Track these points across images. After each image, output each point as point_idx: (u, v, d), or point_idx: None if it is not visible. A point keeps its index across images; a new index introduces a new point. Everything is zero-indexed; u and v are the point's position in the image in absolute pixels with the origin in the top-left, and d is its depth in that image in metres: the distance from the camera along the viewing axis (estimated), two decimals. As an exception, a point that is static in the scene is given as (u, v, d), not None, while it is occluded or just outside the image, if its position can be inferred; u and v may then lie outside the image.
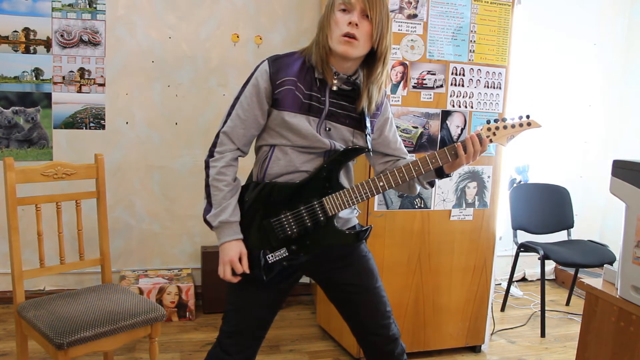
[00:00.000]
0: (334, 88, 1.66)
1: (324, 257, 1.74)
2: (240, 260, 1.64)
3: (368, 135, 1.72)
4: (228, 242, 1.64)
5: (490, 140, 1.67)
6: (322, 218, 1.66)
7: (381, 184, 1.66)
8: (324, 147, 1.67)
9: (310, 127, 1.64)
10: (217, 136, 1.67)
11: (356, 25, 1.56)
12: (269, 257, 1.67)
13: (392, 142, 1.83)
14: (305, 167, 1.68)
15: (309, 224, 1.66)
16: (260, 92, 1.64)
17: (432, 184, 1.80)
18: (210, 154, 1.67)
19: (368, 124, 1.72)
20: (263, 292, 1.72)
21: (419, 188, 1.81)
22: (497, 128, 1.67)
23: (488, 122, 1.68)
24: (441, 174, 1.73)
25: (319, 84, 1.66)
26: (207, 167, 1.66)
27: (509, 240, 3.67)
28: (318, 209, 1.65)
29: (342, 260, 1.77)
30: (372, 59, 1.65)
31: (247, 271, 1.65)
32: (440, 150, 1.66)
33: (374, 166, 1.88)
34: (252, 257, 1.67)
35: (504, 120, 1.68)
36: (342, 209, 1.67)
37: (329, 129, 1.67)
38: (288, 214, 1.66)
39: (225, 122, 1.67)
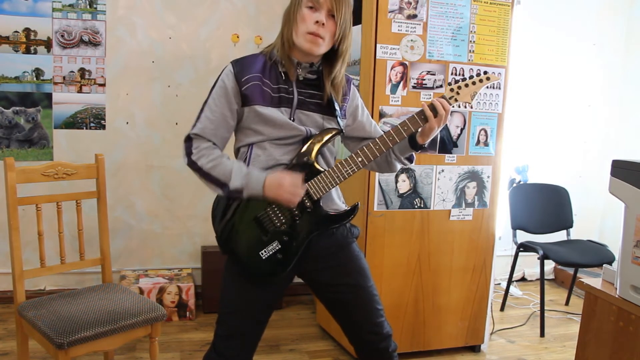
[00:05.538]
0: (300, 78, 1.69)
1: (316, 256, 1.74)
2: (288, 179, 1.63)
3: (339, 118, 1.75)
4: (266, 179, 1.61)
5: (455, 100, 1.69)
6: (308, 203, 1.67)
7: (360, 159, 1.68)
8: (300, 135, 1.69)
9: (283, 116, 1.67)
10: (189, 139, 1.67)
11: (323, 24, 1.61)
12: (262, 253, 1.67)
13: (367, 125, 1.87)
14: (286, 159, 1.69)
15: (296, 212, 1.67)
16: (228, 93, 1.66)
17: (410, 159, 1.83)
18: (189, 154, 1.67)
19: (337, 107, 1.74)
20: (260, 291, 1.72)
21: (398, 165, 1.84)
22: (459, 87, 1.69)
23: (449, 84, 1.70)
24: (416, 145, 1.74)
25: (285, 77, 1.69)
26: (193, 164, 1.66)
27: (509, 240, 3.68)
28: (303, 195, 1.67)
29: (334, 259, 1.77)
30: (332, 57, 1.69)
31: (302, 179, 1.63)
32: (410, 117, 1.67)
33: (352, 152, 1.88)
34: (245, 257, 1.68)
35: (463, 79, 1.70)
36: (326, 191, 1.68)
37: (298, 118, 1.69)
38: (274, 206, 1.67)
39: (195, 125, 1.68)
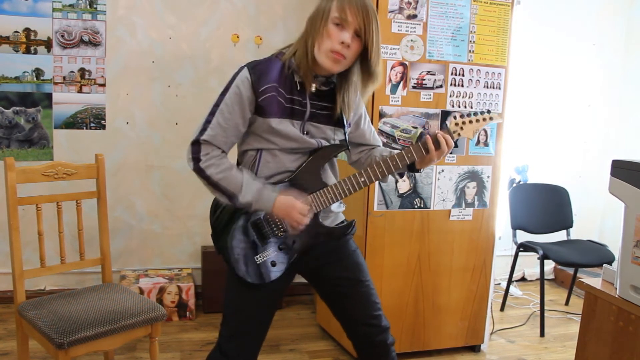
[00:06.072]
0: (313, 89, 1.67)
1: (315, 253, 1.75)
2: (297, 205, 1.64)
3: (346, 133, 1.76)
4: (277, 200, 1.62)
5: (459, 135, 1.71)
6: None
7: (362, 179, 1.69)
8: (311, 147, 1.69)
9: (295, 129, 1.66)
10: (197, 144, 1.62)
11: (348, 46, 1.58)
12: (257, 258, 1.67)
13: (367, 133, 1.89)
14: (294, 166, 1.70)
15: None
16: (243, 101, 1.62)
17: (402, 175, 1.85)
18: (197, 160, 1.62)
19: (345, 122, 1.75)
20: (259, 293, 1.72)
21: (389, 178, 1.85)
22: (463, 123, 1.71)
23: (455, 117, 1.72)
24: (412, 168, 1.76)
25: (300, 88, 1.67)
26: (201, 171, 1.62)
27: (509, 240, 3.68)
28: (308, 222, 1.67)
29: (332, 255, 1.79)
30: (350, 73, 1.67)
31: (309, 208, 1.65)
32: (415, 144, 1.69)
33: (348, 156, 1.92)
34: (242, 259, 1.68)
35: (468, 115, 1.72)
36: (326, 206, 1.69)
37: (308, 131, 1.69)
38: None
39: (205, 129, 1.63)
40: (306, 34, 1.65)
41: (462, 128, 1.70)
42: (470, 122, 1.71)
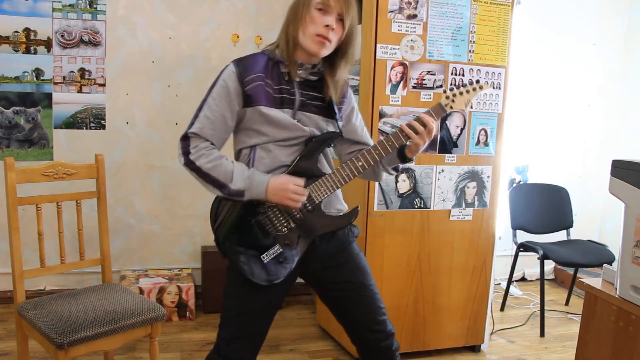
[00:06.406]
0: (303, 79, 1.69)
1: (318, 256, 1.75)
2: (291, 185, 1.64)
3: (338, 120, 1.76)
4: (269, 182, 1.62)
5: (451, 107, 1.71)
6: (309, 207, 1.68)
7: (360, 163, 1.69)
8: (304, 135, 1.69)
9: (287, 116, 1.67)
10: (186, 138, 1.66)
11: (332, 29, 1.61)
12: (263, 257, 1.66)
13: (359, 129, 1.87)
14: (289, 160, 1.69)
15: (297, 215, 1.67)
16: (230, 93, 1.65)
17: (396, 169, 1.84)
18: (187, 154, 1.65)
19: (336, 110, 1.75)
20: (265, 293, 1.71)
21: (384, 175, 1.85)
22: (454, 95, 1.71)
23: (445, 91, 1.73)
24: (404, 158, 1.76)
25: (287, 78, 1.68)
26: (191, 164, 1.64)
27: (509, 240, 3.68)
28: (305, 199, 1.67)
29: (335, 259, 1.78)
30: (335, 58, 1.70)
31: (303, 185, 1.64)
32: (416, 117, 1.70)
33: (339, 156, 1.90)
34: (248, 259, 1.67)
35: (458, 87, 1.72)
36: (327, 195, 1.69)
37: (300, 120, 1.69)
38: (275, 209, 1.67)
39: (192, 124, 1.66)
40: (288, 23, 1.67)
41: (453, 101, 1.71)
42: (461, 93, 1.71)
